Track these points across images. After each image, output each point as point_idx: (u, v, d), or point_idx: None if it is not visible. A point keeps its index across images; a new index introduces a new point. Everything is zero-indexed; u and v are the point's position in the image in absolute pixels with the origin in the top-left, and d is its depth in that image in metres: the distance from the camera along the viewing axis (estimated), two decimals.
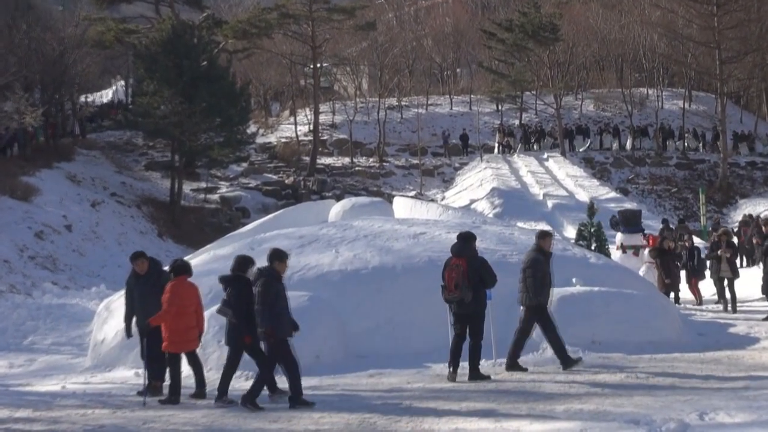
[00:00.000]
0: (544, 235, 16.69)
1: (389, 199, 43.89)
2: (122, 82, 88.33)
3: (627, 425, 11.03)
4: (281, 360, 13.90)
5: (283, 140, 70.77)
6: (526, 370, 15.86)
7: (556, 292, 18.39)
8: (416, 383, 15.41)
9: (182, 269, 14.93)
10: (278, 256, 14.35)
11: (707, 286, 26.77)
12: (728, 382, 14.29)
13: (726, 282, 24.29)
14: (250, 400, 13.69)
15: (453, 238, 16.68)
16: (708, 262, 25.73)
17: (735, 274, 24.21)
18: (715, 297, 25.27)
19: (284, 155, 67.31)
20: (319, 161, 65.94)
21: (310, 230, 23.52)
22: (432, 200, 53.14)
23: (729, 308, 23.88)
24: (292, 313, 14.16)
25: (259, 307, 13.82)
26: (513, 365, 16.00)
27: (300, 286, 18.66)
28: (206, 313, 15.52)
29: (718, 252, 24.43)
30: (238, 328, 14.16)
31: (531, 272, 15.98)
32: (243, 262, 14.66)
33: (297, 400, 13.67)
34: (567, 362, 15.83)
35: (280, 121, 77.48)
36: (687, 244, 29.76)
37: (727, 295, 24.18)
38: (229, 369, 14.49)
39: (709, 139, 71.02)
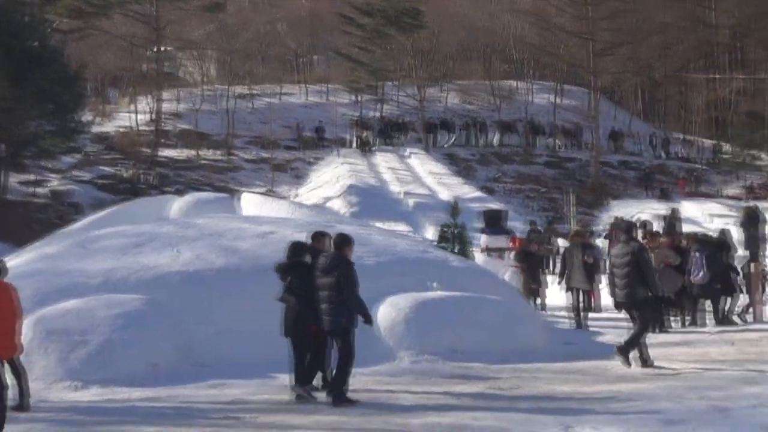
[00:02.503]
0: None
1: (236, 195, 43.64)
2: None
3: None
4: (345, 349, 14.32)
5: (122, 130, 69.41)
6: None
7: (413, 298, 18.54)
8: (261, 395, 15.31)
9: None
10: (348, 242, 14.84)
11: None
12: (595, 394, 14.52)
13: (581, 293, 23.52)
14: (340, 398, 14.01)
15: (304, 238, 16.63)
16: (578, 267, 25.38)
17: (591, 284, 23.66)
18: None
19: (122, 146, 66.13)
20: (160, 153, 65.10)
21: (149, 228, 23.26)
22: (283, 197, 52.96)
23: (581, 323, 23.32)
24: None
25: (349, 294, 14.26)
26: None
27: (136, 288, 18.42)
28: (32, 318, 15.21)
29: (584, 258, 23.29)
30: (303, 316, 14.51)
31: None
32: (300, 248, 15.23)
33: (341, 396, 14.09)
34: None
35: (119, 109, 76.11)
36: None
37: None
38: (306, 360, 14.88)
39: (585, 137, 72.00)
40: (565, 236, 40.63)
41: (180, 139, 70.34)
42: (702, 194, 60.57)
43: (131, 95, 76.48)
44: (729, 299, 24.20)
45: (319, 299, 14.39)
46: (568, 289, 23.66)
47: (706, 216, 49.59)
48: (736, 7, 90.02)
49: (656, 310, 21.09)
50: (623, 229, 18.70)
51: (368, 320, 14.71)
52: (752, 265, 24.91)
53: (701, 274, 22.89)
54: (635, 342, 17.17)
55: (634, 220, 39.28)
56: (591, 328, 22.95)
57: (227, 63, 77.97)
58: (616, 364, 17.74)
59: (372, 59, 75.00)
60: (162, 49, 70.83)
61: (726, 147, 72.78)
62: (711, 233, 28.43)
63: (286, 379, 16.34)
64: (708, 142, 76.79)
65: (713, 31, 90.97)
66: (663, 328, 22.23)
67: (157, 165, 62.90)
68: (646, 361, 17.11)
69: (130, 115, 71.63)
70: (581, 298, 23.35)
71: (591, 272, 23.43)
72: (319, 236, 16.10)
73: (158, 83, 67.54)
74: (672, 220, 36.68)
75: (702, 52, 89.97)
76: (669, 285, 22.30)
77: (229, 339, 18.13)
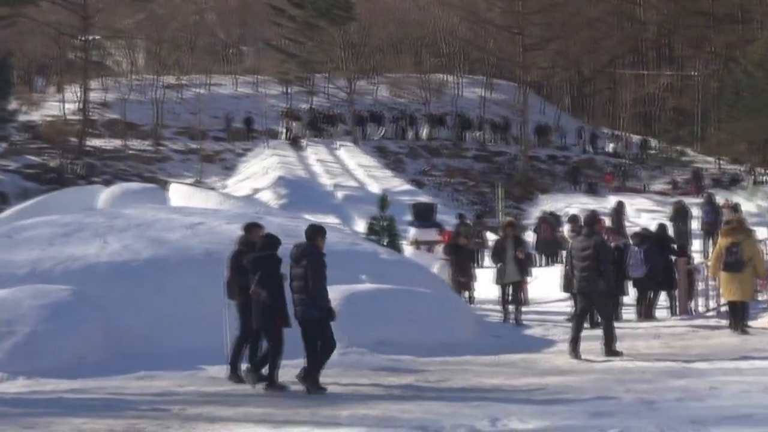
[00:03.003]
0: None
1: (164, 186, 43.38)
2: None
3: (415, 431, 11.15)
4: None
5: (48, 119, 68.96)
6: None
7: (342, 290, 18.54)
8: (190, 386, 15.24)
9: None
10: (319, 232, 15.10)
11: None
12: (523, 387, 14.60)
13: (511, 288, 23.13)
14: (313, 385, 14.34)
15: (233, 229, 16.63)
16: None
17: (524, 276, 23.48)
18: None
19: (49, 135, 65.58)
20: (88, 143, 64.60)
21: (76, 218, 23.02)
22: (212, 188, 52.73)
23: (511, 318, 23.02)
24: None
25: (314, 284, 14.45)
26: None
27: (63, 279, 18.25)
28: None
29: (517, 253, 22.95)
30: (271, 309, 14.58)
31: None
32: (273, 241, 15.20)
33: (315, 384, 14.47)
34: None
35: (45, 98, 75.28)
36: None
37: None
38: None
39: (513, 130, 72.25)
40: (493, 229, 40.82)
41: (107, 129, 69.88)
42: (629, 189, 61.08)
43: (58, 84, 75.74)
44: (662, 293, 24.40)
45: (292, 289, 14.61)
46: (501, 283, 23.29)
47: (633, 210, 49.99)
48: (663, 4, 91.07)
49: (615, 302, 21.39)
50: (585, 222, 19.30)
51: (329, 314, 14.71)
52: (680, 259, 25.11)
53: (641, 268, 23.02)
54: (610, 335, 17.80)
55: (561, 214, 39.68)
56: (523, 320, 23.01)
57: (156, 53, 77.46)
58: (543, 356, 17.90)
59: (302, 51, 74.85)
60: (90, 37, 70.03)
61: (653, 143, 73.40)
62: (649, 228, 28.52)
63: (215, 370, 16.33)
64: (635, 138, 77.46)
65: (641, 28, 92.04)
66: (594, 322, 22.34)
67: (84, 155, 62.38)
68: (614, 351, 17.61)
69: (57, 104, 71.00)
70: (511, 292, 23.08)
71: (523, 266, 23.27)
72: (251, 227, 16.10)
73: (86, 72, 66.87)
74: (618, 215, 36.89)
75: (630, 48, 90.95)
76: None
77: (158, 330, 18.02)
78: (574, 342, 17.61)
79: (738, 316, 20.56)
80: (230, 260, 15.80)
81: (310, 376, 14.38)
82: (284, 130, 70.45)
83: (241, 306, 15.58)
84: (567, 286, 21.62)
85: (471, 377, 15.35)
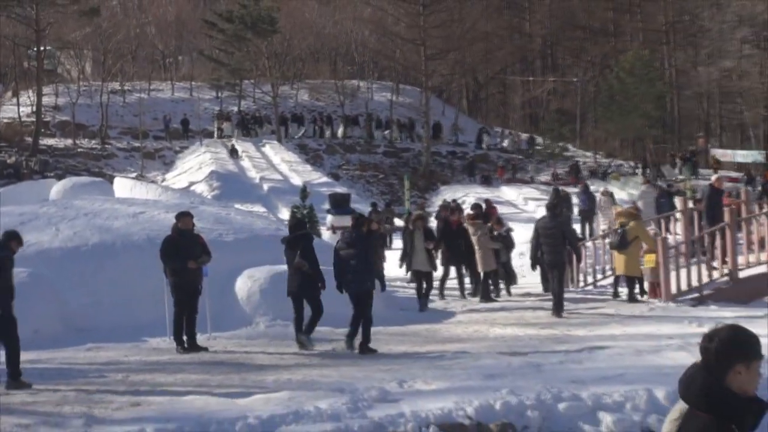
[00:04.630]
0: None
1: (110, 179, 42.94)
2: None
3: (332, 393, 11.17)
4: None
5: (6, 121, 68.52)
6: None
7: (267, 270, 18.55)
8: (134, 356, 15.15)
9: None
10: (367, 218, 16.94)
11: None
12: (426, 353, 14.73)
13: (423, 276, 21.56)
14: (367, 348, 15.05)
15: (171, 217, 16.58)
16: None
17: (432, 266, 21.99)
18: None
19: (7, 135, 65.05)
20: (41, 142, 63.76)
21: (31, 208, 22.79)
22: (152, 182, 52.30)
23: (426, 306, 21.17)
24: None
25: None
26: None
27: (20, 262, 17.88)
28: None
29: (426, 245, 21.70)
30: (312, 278, 15.46)
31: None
32: (301, 223, 16.81)
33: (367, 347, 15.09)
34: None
35: (3, 102, 74.30)
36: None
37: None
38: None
39: (418, 129, 72.37)
40: (400, 216, 40.92)
41: (59, 130, 69.36)
42: (518, 180, 61.47)
43: (14, 89, 74.68)
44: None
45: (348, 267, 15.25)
46: (411, 271, 22.37)
47: (521, 199, 50.36)
48: (548, 19, 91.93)
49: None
50: (548, 206, 20.92)
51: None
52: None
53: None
54: (560, 297, 18.88)
55: (459, 202, 39.81)
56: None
57: (102, 61, 76.51)
58: (444, 326, 18.02)
59: (232, 60, 74.46)
60: (42, 48, 69.09)
61: (539, 139, 73.92)
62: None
63: (156, 342, 16.28)
64: (524, 135, 78.01)
65: (528, 40, 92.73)
66: (488, 297, 22.40)
67: (38, 152, 61.57)
68: (560, 312, 18.64)
69: (13, 108, 70.17)
70: (423, 280, 21.57)
71: (432, 255, 22.01)
72: (182, 216, 16.03)
73: (39, 79, 65.92)
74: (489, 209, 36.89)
75: (519, 57, 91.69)
76: (490, 261, 22.59)
77: (105, 307, 17.95)
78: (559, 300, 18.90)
79: (630, 288, 20.88)
80: (163, 244, 15.73)
81: (365, 342, 15.13)
82: (217, 130, 70.14)
83: (174, 285, 15.53)
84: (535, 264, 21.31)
85: (381, 345, 15.38)
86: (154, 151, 65.88)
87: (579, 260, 20.70)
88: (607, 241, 24.14)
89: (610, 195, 35.52)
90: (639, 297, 20.69)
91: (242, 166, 58.99)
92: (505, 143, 75.07)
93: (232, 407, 10.65)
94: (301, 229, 16.01)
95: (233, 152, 61.26)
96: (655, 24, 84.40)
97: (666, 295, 19.76)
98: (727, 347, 4.26)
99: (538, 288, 24.26)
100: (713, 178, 29.02)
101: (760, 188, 46.11)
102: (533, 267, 20.70)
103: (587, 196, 34.22)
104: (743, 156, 67.47)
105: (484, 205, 31.13)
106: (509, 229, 25.10)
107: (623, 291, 21.09)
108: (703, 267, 20.57)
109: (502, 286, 24.07)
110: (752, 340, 4.33)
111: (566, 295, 19.70)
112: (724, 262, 20.91)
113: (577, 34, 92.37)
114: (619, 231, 21.47)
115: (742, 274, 20.52)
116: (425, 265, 21.50)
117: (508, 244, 24.23)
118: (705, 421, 4.25)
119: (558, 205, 21.60)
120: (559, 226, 19.28)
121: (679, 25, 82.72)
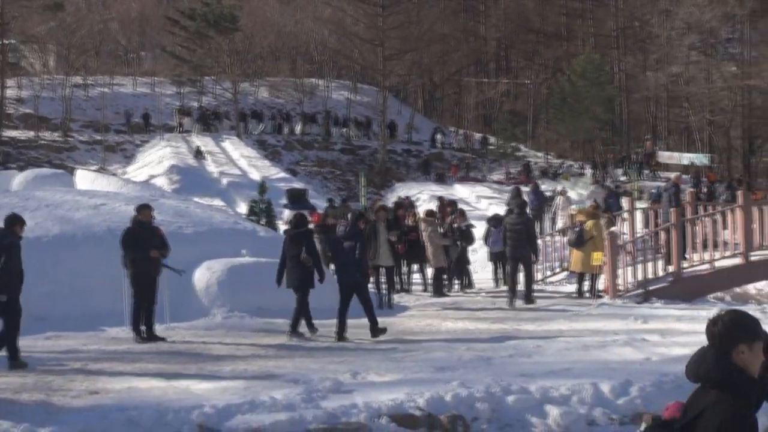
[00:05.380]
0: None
1: (72, 172, 42.60)
2: None
3: (287, 384, 11.15)
4: None
5: None
6: None
7: (226, 262, 18.49)
8: (92, 345, 15.06)
9: None
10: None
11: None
12: (380, 345, 14.77)
13: (385, 271, 21.04)
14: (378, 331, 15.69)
15: (131, 209, 16.50)
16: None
17: (395, 260, 21.75)
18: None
19: None
20: (4, 134, 63.02)
21: None
22: (114, 174, 51.91)
23: (388, 303, 20.51)
24: None
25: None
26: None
27: None
28: None
29: (389, 236, 20.95)
30: (312, 273, 15.88)
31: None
32: (303, 219, 16.56)
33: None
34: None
35: None
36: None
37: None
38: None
39: (374, 127, 72.42)
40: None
41: (22, 122, 68.59)
42: (471, 179, 61.64)
43: None
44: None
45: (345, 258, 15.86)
46: (374, 267, 20.39)
47: (474, 197, 50.51)
48: (502, 22, 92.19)
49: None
50: (516, 204, 21.30)
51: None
52: None
53: (499, 243, 22.50)
54: (530, 285, 20.13)
55: (413, 199, 39.82)
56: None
57: (65, 56, 75.88)
58: (398, 320, 18.04)
59: (194, 57, 73.99)
60: (6, 41, 68.41)
61: (492, 139, 74.22)
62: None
63: (114, 331, 16.18)
64: (477, 135, 78.29)
65: (483, 43, 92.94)
66: (441, 292, 22.48)
67: (1, 144, 60.93)
68: (532, 300, 19.93)
69: None
70: (385, 275, 21.02)
71: (395, 249, 21.53)
72: (142, 208, 15.95)
73: (3, 72, 65.26)
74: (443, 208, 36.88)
75: (474, 59, 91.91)
76: (440, 258, 22.65)
77: (65, 296, 17.77)
78: (512, 292, 19.94)
79: (579, 283, 21.34)
80: (123, 235, 15.64)
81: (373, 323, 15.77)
82: (177, 125, 69.80)
83: (133, 276, 15.45)
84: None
85: (335, 337, 15.41)
86: (116, 145, 65.35)
87: (537, 257, 20.96)
88: (565, 239, 24.38)
89: (567, 196, 35.81)
90: (588, 294, 20.84)
91: (202, 161, 58.71)
92: (454, 144, 75.36)
93: (189, 396, 10.60)
94: (304, 226, 16.07)
95: (198, 153, 60.72)
96: (605, 29, 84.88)
97: (613, 292, 19.93)
98: (730, 329, 4.49)
99: (490, 284, 24.44)
100: (673, 176, 29.63)
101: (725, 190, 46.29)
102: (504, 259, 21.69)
103: (536, 196, 34.40)
104: (689, 158, 68.10)
105: (437, 204, 31.20)
106: (470, 225, 25.20)
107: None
108: (649, 265, 20.78)
109: (456, 282, 24.24)
110: (753, 323, 4.57)
111: (517, 291, 19.91)
112: (668, 262, 21.20)
113: (531, 38, 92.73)
114: (576, 229, 21.63)
115: (686, 273, 20.76)
116: (388, 260, 20.96)
117: (467, 238, 24.41)
118: (717, 396, 4.43)
119: (525, 204, 22.29)
120: (525, 223, 20.22)
121: (629, 30, 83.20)
